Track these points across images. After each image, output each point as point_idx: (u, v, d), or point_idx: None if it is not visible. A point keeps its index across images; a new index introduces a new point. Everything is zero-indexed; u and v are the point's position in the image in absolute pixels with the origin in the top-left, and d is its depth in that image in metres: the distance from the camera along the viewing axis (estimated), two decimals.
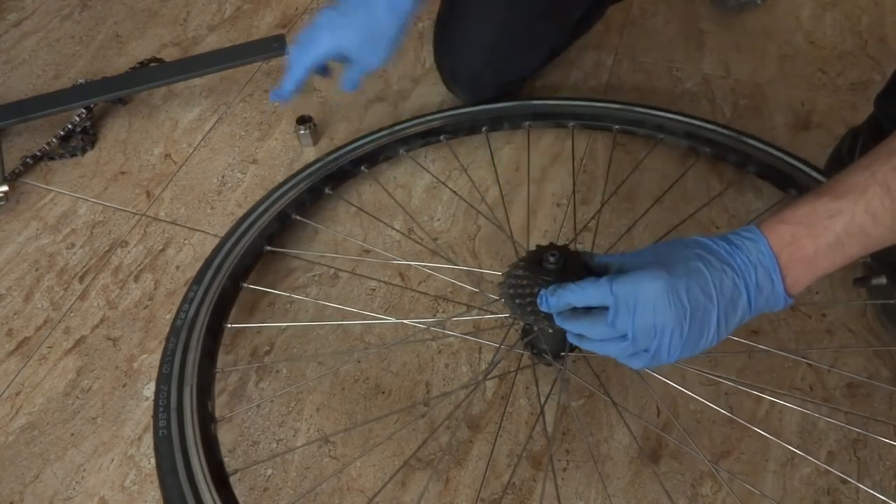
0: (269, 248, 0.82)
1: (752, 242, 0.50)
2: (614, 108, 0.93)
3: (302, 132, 0.96)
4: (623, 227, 0.87)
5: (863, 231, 0.47)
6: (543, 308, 0.56)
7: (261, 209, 0.83)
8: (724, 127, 0.89)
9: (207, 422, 0.64)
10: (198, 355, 0.68)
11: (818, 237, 0.48)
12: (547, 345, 0.67)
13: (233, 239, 0.79)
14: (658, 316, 0.48)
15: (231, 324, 0.76)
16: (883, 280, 0.69)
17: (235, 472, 0.63)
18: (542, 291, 0.56)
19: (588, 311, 0.53)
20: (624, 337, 0.51)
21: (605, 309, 0.51)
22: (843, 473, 0.67)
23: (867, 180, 0.47)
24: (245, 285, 0.78)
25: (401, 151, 0.93)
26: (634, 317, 0.49)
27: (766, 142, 0.87)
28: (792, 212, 0.50)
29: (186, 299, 0.73)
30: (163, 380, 0.66)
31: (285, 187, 0.85)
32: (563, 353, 0.68)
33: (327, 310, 0.81)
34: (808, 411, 0.71)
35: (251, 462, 0.70)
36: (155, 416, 0.63)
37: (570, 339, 0.56)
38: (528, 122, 0.95)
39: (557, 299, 0.54)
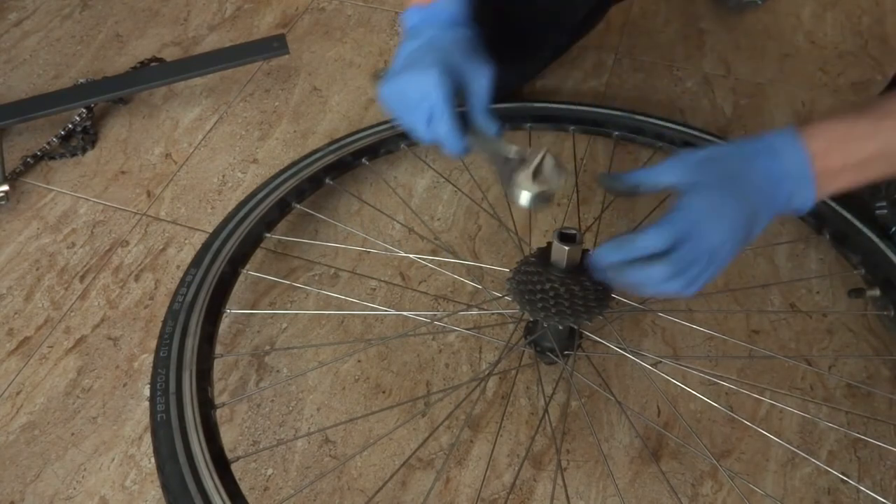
0: (268, 234, 0.81)
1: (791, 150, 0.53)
2: (615, 114, 0.93)
3: None
4: (624, 226, 0.87)
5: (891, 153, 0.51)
6: (603, 262, 0.54)
7: (260, 195, 0.82)
8: (722, 139, 0.89)
9: (207, 407, 0.62)
10: (197, 339, 0.66)
11: (849, 155, 0.52)
12: (552, 342, 0.67)
13: (231, 224, 0.78)
14: (718, 232, 0.51)
15: (230, 317, 0.75)
16: (877, 292, 0.72)
17: (237, 458, 0.62)
18: (599, 250, 0.54)
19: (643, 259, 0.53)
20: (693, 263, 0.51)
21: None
22: (843, 473, 0.67)
23: None
24: (244, 271, 0.77)
25: (402, 146, 0.93)
26: (701, 241, 0.51)
27: None
28: (830, 127, 0.53)
29: (184, 283, 0.71)
30: (160, 363, 0.63)
31: (285, 174, 0.85)
32: (567, 352, 0.68)
33: (328, 309, 0.81)
34: (807, 413, 0.71)
35: (251, 462, 0.70)
36: (152, 401, 0.61)
37: (632, 284, 0.54)
38: (529, 124, 0.95)
39: (623, 251, 0.53)
